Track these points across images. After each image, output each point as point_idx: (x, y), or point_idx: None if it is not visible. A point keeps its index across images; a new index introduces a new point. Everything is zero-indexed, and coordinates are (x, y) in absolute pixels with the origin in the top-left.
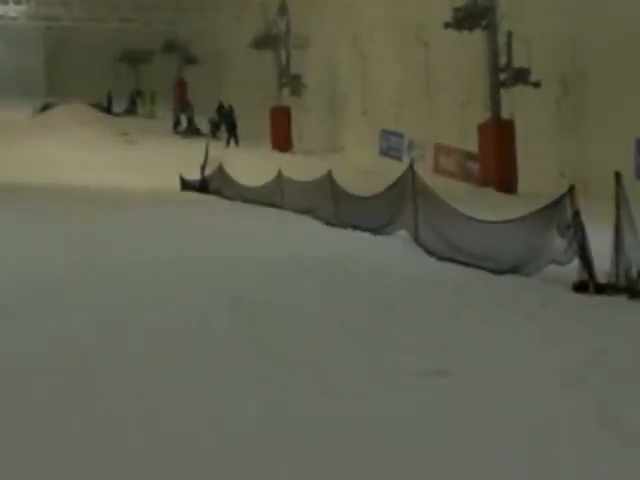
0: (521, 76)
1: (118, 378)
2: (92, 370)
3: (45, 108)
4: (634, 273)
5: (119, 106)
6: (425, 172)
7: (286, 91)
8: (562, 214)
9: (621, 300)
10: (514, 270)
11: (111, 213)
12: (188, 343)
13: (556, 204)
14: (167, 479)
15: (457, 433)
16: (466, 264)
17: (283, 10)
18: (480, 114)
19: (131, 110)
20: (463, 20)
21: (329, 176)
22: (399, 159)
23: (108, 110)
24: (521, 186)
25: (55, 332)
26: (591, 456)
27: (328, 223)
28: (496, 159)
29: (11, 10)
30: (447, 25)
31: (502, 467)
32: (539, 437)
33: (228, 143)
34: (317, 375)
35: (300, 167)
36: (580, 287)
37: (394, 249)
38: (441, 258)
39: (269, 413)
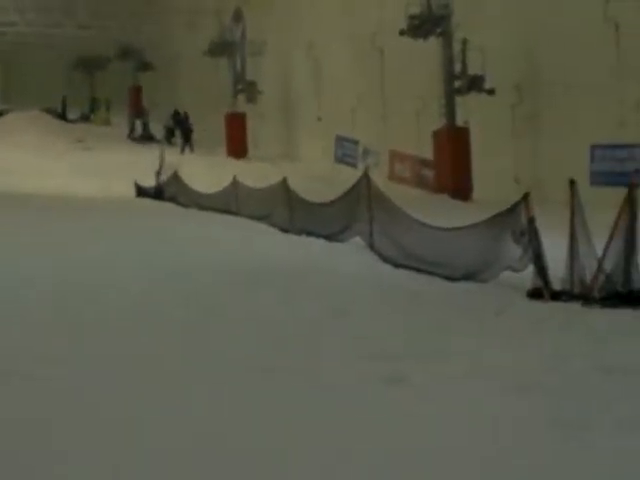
0: (476, 83)
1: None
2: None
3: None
4: (588, 279)
5: (74, 113)
6: (380, 179)
7: (241, 98)
8: (517, 221)
9: (575, 306)
10: (469, 277)
11: (64, 220)
12: (140, 348)
13: (511, 211)
14: None
15: (410, 438)
16: (421, 271)
17: (238, 17)
18: (435, 121)
19: (86, 117)
20: (418, 28)
21: (284, 183)
22: (354, 166)
23: (63, 117)
24: (476, 193)
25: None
26: (543, 459)
27: (283, 230)
28: (451, 166)
29: None
30: (402, 32)
31: (454, 470)
32: (492, 441)
33: (183, 149)
34: (269, 381)
35: (255, 174)
36: (535, 294)
37: (349, 256)
38: (396, 265)
39: (219, 419)
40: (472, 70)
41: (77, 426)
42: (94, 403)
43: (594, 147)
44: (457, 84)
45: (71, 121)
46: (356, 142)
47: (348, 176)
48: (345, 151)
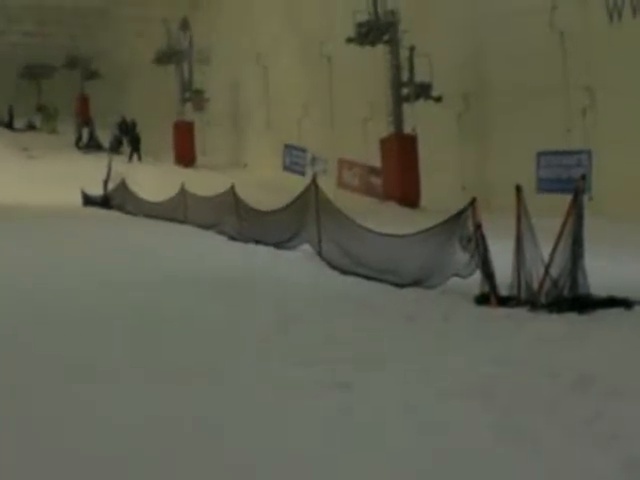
0: (423, 91)
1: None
2: None
3: None
4: (535, 285)
5: (21, 122)
6: (328, 186)
7: (189, 106)
8: (464, 227)
9: (522, 312)
10: (416, 283)
11: (7, 228)
12: (89, 353)
13: (458, 217)
14: None
15: (358, 446)
16: (369, 278)
17: (185, 25)
18: (383, 129)
19: (32, 125)
20: (365, 35)
21: (232, 191)
22: (302, 174)
23: (9, 125)
24: (423, 200)
25: None
26: (489, 464)
27: (231, 238)
28: (398, 173)
29: None
30: (350, 40)
31: (397, 476)
32: (438, 447)
33: (131, 158)
34: (218, 389)
35: (203, 182)
36: (482, 299)
37: (297, 263)
38: (344, 272)
39: (163, 425)
40: (419, 78)
41: None
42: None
43: (540, 154)
44: (404, 92)
45: (17, 130)
46: (304, 150)
47: (296, 184)
48: (293, 159)
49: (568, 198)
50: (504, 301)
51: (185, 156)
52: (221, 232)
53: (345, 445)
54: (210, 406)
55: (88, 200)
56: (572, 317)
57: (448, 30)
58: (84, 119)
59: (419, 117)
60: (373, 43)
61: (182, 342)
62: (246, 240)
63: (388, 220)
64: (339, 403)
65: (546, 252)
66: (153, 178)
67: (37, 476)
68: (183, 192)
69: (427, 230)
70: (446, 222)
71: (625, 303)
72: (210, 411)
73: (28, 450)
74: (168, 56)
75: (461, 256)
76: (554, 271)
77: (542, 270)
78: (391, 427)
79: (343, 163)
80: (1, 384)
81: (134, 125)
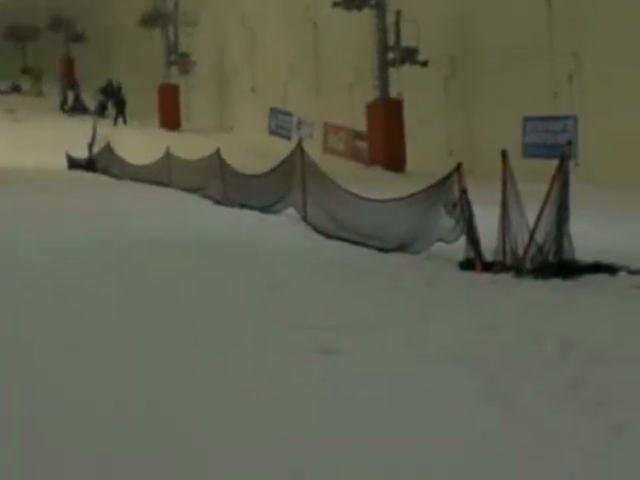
0: (409, 55)
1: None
2: None
3: None
4: (520, 251)
5: (5, 84)
6: (314, 151)
7: (175, 69)
8: (449, 192)
9: (507, 277)
10: (401, 248)
11: None
12: (76, 320)
13: (443, 182)
14: None
15: (342, 410)
16: (354, 242)
17: None
18: (369, 93)
19: (17, 88)
20: None
21: (217, 155)
22: (288, 138)
23: None
24: (409, 165)
25: None
26: (475, 430)
27: (216, 202)
28: (384, 138)
29: None
30: (336, 4)
31: (386, 441)
32: (424, 412)
33: (116, 121)
34: (206, 354)
35: (189, 146)
36: (467, 265)
37: (282, 227)
38: (329, 237)
39: (158, 394)
40: (406, 42)
41: None
42: None
43: (527, 119)
44: (391, 56)
45: (2, 92)
46: (290, 114)
47: (282, 148)
48: (279, 123)
49: (554, 164)
50: (489, 267)
51: (170, 120)
52: (206, 196)
53: (327, 412)
54: (195, 373)
55: (73, 163)
56: (557, 283)
57: None
58: (69, 82)
59: (405, 82)
60: (359, 7)
61: (165, 309)
62: (231, 204)
63: (373, 185)
64: (323, 369)
65: (531, 218)
66: (138, 141)
67: None
68: (168, 156)
69: (412, 195)
70: (431, 187)
71: (610, 269)
72: (194, 378)
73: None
74: (154, 19)
75: (446, 221)
76: (539, 237)
77: (527, 236)
78: (375, 393)
79: (329, 127)
80: None
81: (119, 88)
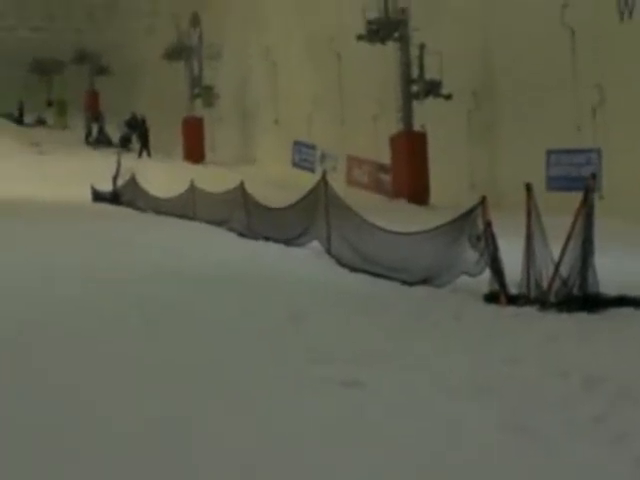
0: (433, 88)
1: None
2: None
3: None
4: (545, 284)
5: (31, 116)
6: (338, 183)
7: (199, 102)
8: (473, 225)
9: (532, 311)
10: (426, 281)
11: (21, 223)
12: (102, 349)
13: (467, 215)
14: None
15: (363, 442)
16: (378, 275)
17: (196, 21)
18: (392, 126)
19: (42, 120)
20: (376, 32)
21: (241, 187)
22: (311, 170)
23: (20, 120)
24: (433, 198)
25: None
26: (498, 462)
27: (241, 234)
28: (408, 171)
29: None
30: (360, 37)
31: (408, 473)
32: (447, 445)
33: (140, 154)
34: (225, 385)
35: (213, 178)
36: (491, 298)
37: (306, 260)
38: (353, 270)
39: (175, 419)
40: (429, 75)
41: None
42: None
43: (550, 152)
44: (414, 89)
45: (27, 125)
46: (313, 147)
47: (306, 181)
48: (302, 156)
49: (578, 197)
50: (513, 300)
51: (194, 152)
52: (230, 229)
53: (354, 443)
54: (216, 404)
55: (98, 196)
56: (582, 316)
57: (458, 27)
58: (94, 114)
59: (429, 114)
60: (383, 40)
61: (186, 339)
62: (255, 237)
63: (397, 218)
64: (348, 402)
65: (556, 251)
66: (162, 174)
67: None
68: (192, 188)
69: (437, 228)
70: (456, 220)
71: (635, 302)
72: (215, 409)
73: None
74: (178, 52)
75: (471, 254)
76: (564, 270)
77: (552, 269)
78: (400, 426)
79: (352, 160)
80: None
81: (143, 121)
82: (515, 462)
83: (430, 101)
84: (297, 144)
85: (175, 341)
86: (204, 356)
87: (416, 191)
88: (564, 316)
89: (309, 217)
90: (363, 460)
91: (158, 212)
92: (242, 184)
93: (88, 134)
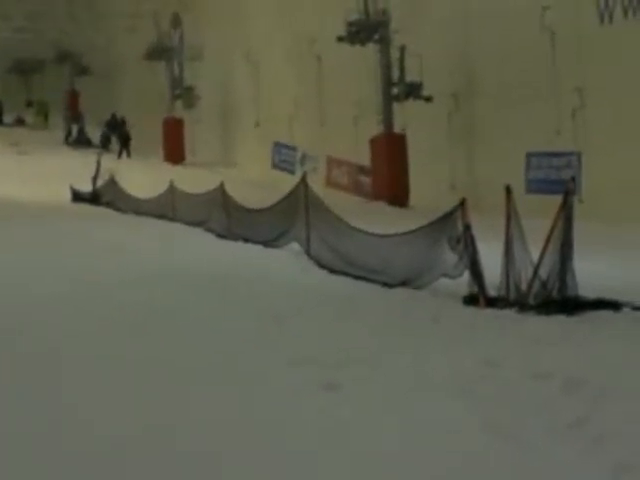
0: (413, 90)
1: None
2: None
3: None
4: (524, 286)
5: (10, 116)
6: (317, 185)
7: (179, 103)
8: (453, 227)
9: (511, 313)
10: (405, 283)
11: None
12: (76, 352)
13: (447, 217)
14: None
15: (343, 444)
16: (358, 277)
17: (177, 21)
18: (373, 128)
19: (21, 120)
20: (356, 34)
21: (221, 188)
22: (292, 172)
23: None
24: (412, 200)
25: None
26: (477, 463)
27: (220, 235)
28: (388, 173)
29: None
30: (340, 39)
31: (388, 475)
32: (426, 446)
33: (120, 155)
34: (205, 387)
35: (193, 179)
36: (470, 300)
37: (285, 262)
38: (333, 271)
39: (151, 425)
40: (410, 77)
41: None
42: None
43: (530, 155)
44: (395, 91)
45: (6, 125)
46: (294, 148)
47: (286, 182)
48: (282, 157)
49: (558, 199)
50: (493, 302)
51: (174, 153)
52: (209, 230)
53: (333, 445)
54: (196, 404)
55: (77, 196)
56: (560, 319)
57: (439, 30)
58: (74, 115)
59: (409, 116)
60: (363, 42)
61: (167, 341)
62: (235, 238)
63: (377, 219)
64: (325, 404)
65: (535, 253)
66: (142, 175)
67: None
68: (172, 189)
69: (416, 230)
70: (435, 222)
71: (614, 305)
72: (194, 413)
73: None
74: (158, 52)
75: (450, 256)
76: (543, 272)
77: (531, 271)
78: (376, 427)
79: (332, 162)
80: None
81: (124, 122)
82: (495, 464)
83: (410, 103)
84: (277, 145)
85: (156, 342)
86: (184, 357)
87: (396, 193)
88: (543, 318)
89: (289, 218)
90: (342, 462)
91: (138, 213)
92: (222, 185)
93: (68, 134)
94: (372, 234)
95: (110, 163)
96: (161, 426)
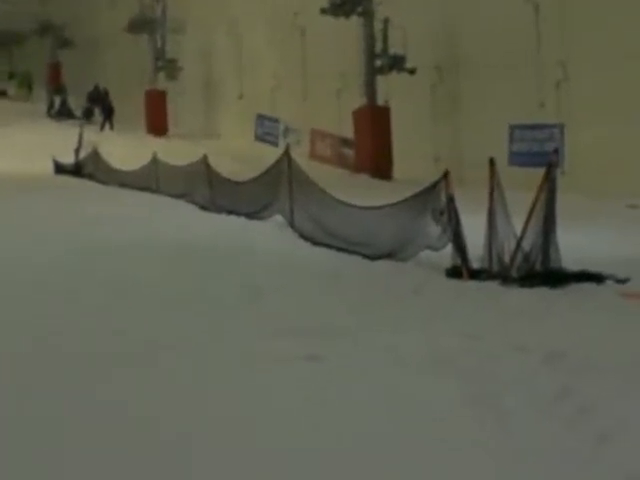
0: (397, 63)
1: None
2: None
3: None
4: (507, 259)
5: None
6: (301, 157)
7: (162, 75)
8: (436, 200)
9: (494, 285)
10: (388, 256)
11: None
12: (56, 324)
13: (430, 190)
14: None
15: (324, 417)
16: (341, 249)
17: None
18: (356, 100)
19: (3, 92)
20: (339, 6)
21: (204, 160)
22: (275, 144)
23: None
24: (396, 172)
25: None
26: (459, 435)
27: (203, 208)
28: (371, 145)
29: None
30: (323, 11)
31: (372, 448)
32: (409, 418)
33: (103, 127)
34: (189, 359)
35: (176, 151)
36: (453, 272)
37: (269, 234)
38: (316, 243)
39: (142, 397)
40: (393, 49)
41: None
42: None
43: (513, 127)
44: (378, 63)
45: None
46: (277, 120)
47: (269, 154)
48: (266, 129)
49: (541, 172)
50: (475, 274)
51: (157, 125)
52: (192, 202)
53: (311, 417)
54: (180, 377)
55: (59, 168)
56: (543, 291)
57: (422, 2)
58: (56, 87)
59: (392, 89)
60: (347, 14)
61: (149, 313)
62: (218, 210)
63: (360, 192)
64: (306, 375)
65: (518, 226)
66: (125, 147)
67: None
68: (155, 161)
69: (399, 202)
70: (419, 194)
71: (597, 278)
72: (180, 382)
73: None
74: (141, 25)
75: (433, 229)
76: (526, 245)
77: (514, 244)
78: (357, 399)
79: (315, 134)
80: None
81: (106, 93)
82: (475, 436)
83: (394, 75)
84: (260, 117)
85: (138, 314)
86: (167, 329)
87: (379, 165)
88: (526, 291)
89: (272, 191)
90: (322, 434)
91: (121, 185)
92: (205, 157)
93: (50, 106)
94: (355, 206)
95: (93, 135)
96: (139, 394)
